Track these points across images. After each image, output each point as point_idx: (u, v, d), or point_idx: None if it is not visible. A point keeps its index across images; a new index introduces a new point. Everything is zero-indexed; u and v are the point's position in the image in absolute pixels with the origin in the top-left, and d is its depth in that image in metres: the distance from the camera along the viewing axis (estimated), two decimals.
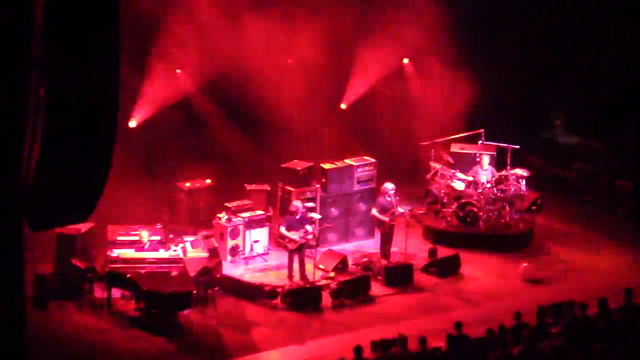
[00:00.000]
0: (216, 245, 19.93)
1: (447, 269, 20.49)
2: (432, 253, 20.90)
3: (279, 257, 20.84)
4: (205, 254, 19.38)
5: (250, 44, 23.42)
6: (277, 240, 21.28)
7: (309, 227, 19.80)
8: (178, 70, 23.52)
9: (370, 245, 21.81)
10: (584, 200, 24.80)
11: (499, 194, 21.97)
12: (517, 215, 22.33)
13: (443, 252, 20.98)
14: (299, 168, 21.58)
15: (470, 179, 22.17)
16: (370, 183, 22.22)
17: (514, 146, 22.36)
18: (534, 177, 23.29)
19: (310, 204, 21.03)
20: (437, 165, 22.59)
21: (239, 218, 20.76)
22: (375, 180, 22.20)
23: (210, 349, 17.28)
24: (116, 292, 18.47)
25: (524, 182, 22.20)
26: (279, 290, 19.04)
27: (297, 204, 20.10)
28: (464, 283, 20.29)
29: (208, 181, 22.20)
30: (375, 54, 24.89)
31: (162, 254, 19.19)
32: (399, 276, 19.96)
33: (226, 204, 21.20)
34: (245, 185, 22.12)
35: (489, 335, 14.80)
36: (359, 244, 21.94)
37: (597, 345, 14.27)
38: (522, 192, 22.26)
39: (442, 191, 22.37)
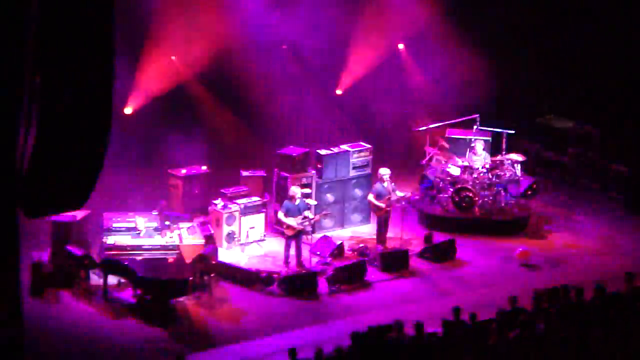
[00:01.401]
0: (212, 231, 19.93)
1: (442, 254, 20.50)
2: (428, 238, 20.92)
3: (275, 244, 20.85)
4: (202, 241, 19.38)
5: (245, 30, 23.41)
6: (273, 227, 21.28)
7: (308, 214, 19.80)
8: (173, 57, 23.49)
9: (367, 231, 21.83)
10: (579, 185, 24.81)
11: (494, 179, 21.98)
12: (513, 200, 22.36)
13: (439, 237, 21.00)
14: (294, 154, 21.56)
15: (466, 164, 22.17)
16: (366, 169, 22.21)
17: (509, 131, 22.37)
18: (529, 162, 23.31)
19: (306, 190, 21.01)
20: (433, 151, 22.58)
21: (235, 204, 20.75)
22: (371, 166, 22.19)
23: (206, 336, 17.30)
24: (112, 279, 18.48)
25: (519, 167, 22.22)
26: (276, 276, 19.06)
27: (295, 189, 20.09)
28: (459, 268, 20.31)
29: (204, 168, 22.17)
30: (371, 38, 24.87)
31: (158, 240, 19.20)
32: (395, 262, 19.98)
33: (222, 191, 21.21)
34: (241, 171, 22.11)
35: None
36: (354, 230, 21.96)
37: (593, 329, 14.31)
38: (518, 177, 22.29)
39: (438, 176, 22.38)
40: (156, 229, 19.50)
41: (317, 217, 20.25)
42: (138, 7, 21.81)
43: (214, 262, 19.05)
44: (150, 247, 18.98)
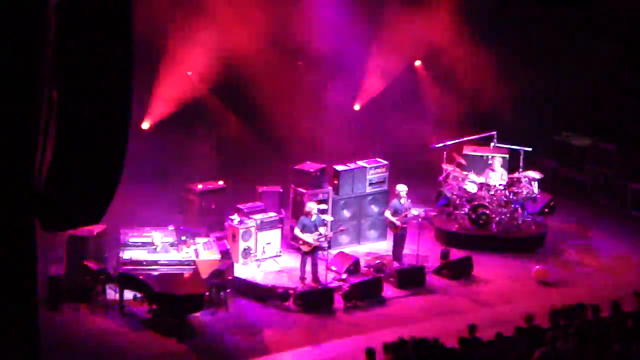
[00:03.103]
0: (228, 247, 19.93)
1: (459, 271, 20.46)
2: (445, 255, 20.86)
3: (291, 259, 20.84)
4: (218, 256, 19.38)
5: (262, 45, 23.46)
6: (289, 242, 21.27)
7: (322, 230, 19.79)
8: (189, 73, 23.56)
9: (383, 247, 21.79)
10: (596, 203, 24.72)
11: (511, 196, 21.92)
12: (530, 218, 22.28)
13: (455, 254, 20.95)
14: (311, 170, 21.57)
15: (483, 181, 22.13)
16: (382, 185, 22.19)
17: (526, 148, 22.32)
18: (547, 179, 23.24)
19: (323, 206, 21.00)
20: (450, 168, 22.56)
21: (251, 220, 20.75)
22: (387, 183, 22.18)
23: (222, 351, 17.29)
24: (128, 294, 18.48)
25: (536, 184, 22.16)
26: (291, 292, 19.04)
27: (311, 205, 20.09)
28: (476, 285, 20.26)
29: (220, 183, 22.19)
30: (389, 55, 24.90)
31: (174, 255, 19.20)
32: (412, 278, 19.94)
33: (238, 206, 21.21)
34: (257, 187, 22.12)
35: (499, 339, 14.76)
36: (371, 246, 21.92)
37: (610, 348, 14.22)
38: (535, 195, 22.21)
39: (455, 193, 22.34)
40: (172, 244, 19.52)
41: (331, 233, 20.24)
42: (155, 23, 21.87)
43: (229, 278, 19.06)
44: (167, 262, 18.98)
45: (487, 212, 21.76)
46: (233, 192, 22.36)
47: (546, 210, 23.12)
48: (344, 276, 20.03)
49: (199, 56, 23.08)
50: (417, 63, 26.39)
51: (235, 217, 20.77)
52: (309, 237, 19.62)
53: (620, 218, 23.92)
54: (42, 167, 10.03)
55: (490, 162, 22.55)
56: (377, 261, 20.77)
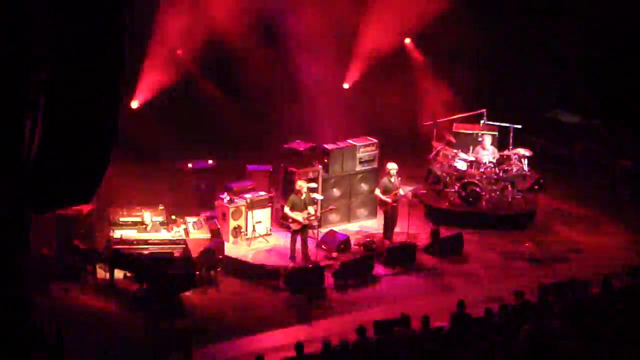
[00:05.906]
0: (218, 226, 19.93)
1: (449, 248, 20.48)
2: (435, 233, 20.87)
3: (282, 238, 20.85)
4: (208, 235, 19.38)
5: (252, 23, 23.40)
6: (279, 221, 21.26)
7: (311, 209, 19.78)
8: (178, 51, 23.49)
9: (373, 225, 21.81)
10: (586, 179, 24.76)
11: (501, 174, 21.94)
12: (520, 195, 22.31)
13: (445, 232, 20.96)
14: (301, 148, 21.54)
15: (473, 158, 22.14)
16: (372, 163, 22.18)
17: (516, 126, 22.33)
18: (537, 156, 23.26)
19: (312, 185, 20.99)
20: (440, 145, 22.56)
21: (242, 199, 20.74)
22: (377, 161, 22.16)
23: (212, 330, 17.28)
24: (118, 273, 18.47)
25: (526, 161, 22.18)
26: (282, 270, 19.05)
27: (301, 184, 20.07)
28: (466, 263, 20.30)
29: (210, 161, 22.14)
30: (378, 32, 24.83)
31: (164, 235, 19.19)
32: (402, 256, 19.96)
33: (229, 185, 21.18)
34: (247, 165, 22.09)
35: (488, 314, 14.82)
36: (361, 225, 21.93)
37: (599, 324, 14.28)
38: (525, 172, 22.24)
39: (444, 171, 22.35)
40: (162, 223, 19.50)
41: (319, 214, 20.22)
42: (144, 1, 21.77)
43: (220, 257, 19.06)
44: (157, 241, 18.97)
45: (477, 189, 21.78)
46: (223, 171, 22.32)
47: (536, 187, 23.12)
48: (335, 255, 20.06)
49: (188, 35, 22.98)
50: (407, 41, 26.32)
51: (226, 196, 20.75)
52: (298, 216, 19.61)
53: (609, 194, 23.95)
54: (32, 147, 10.02)
55: (480, 139, 22.55)
56: (368, 239, 20.79)
